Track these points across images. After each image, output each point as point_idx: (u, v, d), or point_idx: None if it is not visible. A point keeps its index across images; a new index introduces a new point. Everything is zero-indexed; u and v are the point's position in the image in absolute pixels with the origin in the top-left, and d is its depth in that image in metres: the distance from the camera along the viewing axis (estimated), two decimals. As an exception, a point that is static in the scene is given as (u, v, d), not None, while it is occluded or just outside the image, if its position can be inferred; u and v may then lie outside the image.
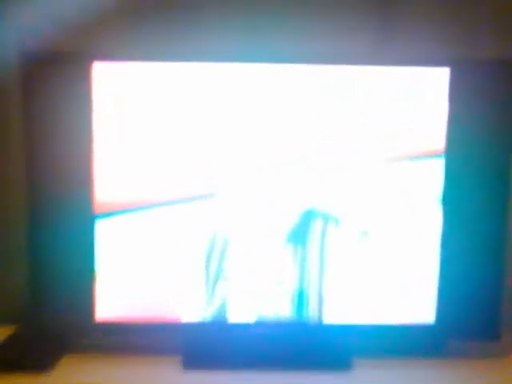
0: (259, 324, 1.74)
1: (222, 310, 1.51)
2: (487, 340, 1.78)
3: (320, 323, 1.75)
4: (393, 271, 1.74)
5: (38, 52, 1.68)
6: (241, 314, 1.54)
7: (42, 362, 1.67)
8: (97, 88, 1.66)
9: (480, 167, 1.71)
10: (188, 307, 1.64)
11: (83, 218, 1.69)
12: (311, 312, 1.71)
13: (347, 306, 1.67)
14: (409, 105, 1.66)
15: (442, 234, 1.73)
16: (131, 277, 1.69)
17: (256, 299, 1.55)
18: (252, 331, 1.75)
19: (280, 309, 1.71)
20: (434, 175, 1.65)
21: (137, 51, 1.68)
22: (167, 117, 1.64)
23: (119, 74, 1.66)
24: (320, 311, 1.69)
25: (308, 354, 1.75)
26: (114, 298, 1.72)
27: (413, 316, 1.76)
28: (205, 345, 1.76)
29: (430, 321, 1.76)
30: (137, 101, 1.65)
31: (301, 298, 1.59)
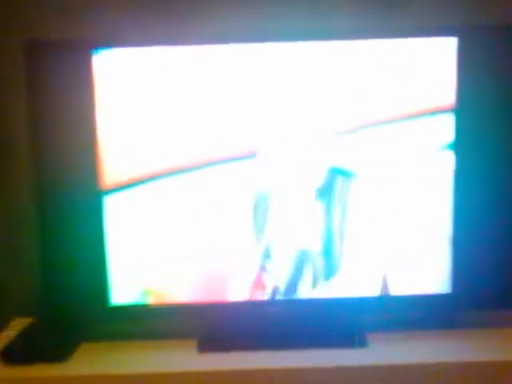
0: (272, 303, 1.74)
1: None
2: (504, 308, 1.77)
3: (335, 298, 1.75)
4: (408, 241, 1.71)
5: (40, 40, 1.66)
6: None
7: (59, 351, 1.69)
8: (99, 74, 1.64)
9: (491, 133, 1.67)
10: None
11: (93, 202, 1.69)
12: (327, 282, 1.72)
13: (363, 275, 1.61)
14: (418, 76, 1.61)
15: (454, 201, 1.69)
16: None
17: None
18: (265, 310, 1.75)
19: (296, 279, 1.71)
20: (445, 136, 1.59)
21: (138, 36, 1.66)
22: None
23: (121, 60, 1.63)
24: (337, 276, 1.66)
25: (323, 332, 1.75)
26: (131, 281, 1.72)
27: (429, 286, 1.75)
28: (219, 327, 1.77)
29: (447, 291, 1.75)
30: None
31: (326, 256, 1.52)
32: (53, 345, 1.70)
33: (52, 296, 1.74)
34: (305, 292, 1.56)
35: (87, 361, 1.69)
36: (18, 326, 1.80)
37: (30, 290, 1.87)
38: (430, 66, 1.61)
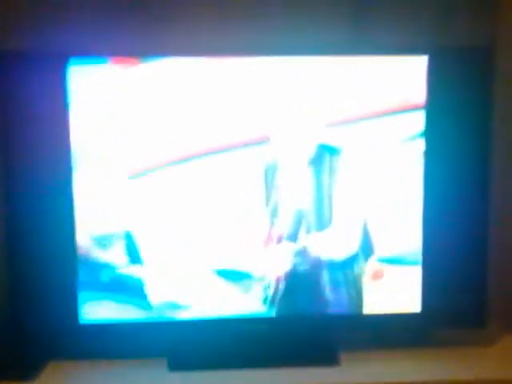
0: (244, 321, 1.74)
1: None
2: (473, 328, 1.78)
3: (307, 317, 1.75)
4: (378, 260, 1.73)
5: (12, 52, 1.65)
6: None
7: (26, 369, 1.65)
8: (74, 86, 1.62)
9: (459, 154, 1.70)
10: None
11: (64, 212, 1.67)
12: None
13: (347, 229, 1.63)
14: (388, 95, 1.64)
15: (423, 218, 1.71)
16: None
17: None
18: (237, 328, 1.74)
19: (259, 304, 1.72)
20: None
21: (113, 47, 1.67)
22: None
23: (96, 73, 1.62)
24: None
25: (295, 350, 1.75)
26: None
27: (399, 306, 1.76)
28: (189, 345, 1.75)
29: (416, 310, 1.76)
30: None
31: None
32: (19, 363, 1.66)
33: (19, 312, 1.70)
34: (303, 239, 1.59)
35: (55, 380, 1.65)
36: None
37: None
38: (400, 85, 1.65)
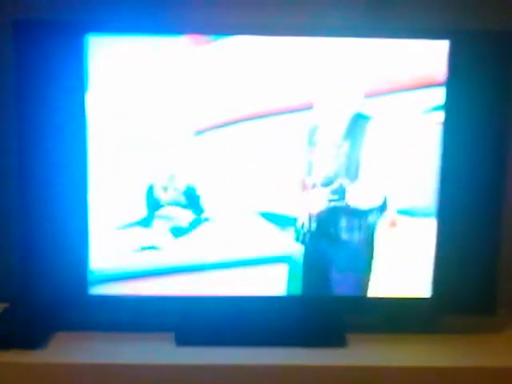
0: (253, 299, 1.74)
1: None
2: (483, 315, 1.77)
3: (316, 297, 1.75)
4: (391, 245, 1.73)
5: (31, 21, 1.63)
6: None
7: (33, 339, 1.66)
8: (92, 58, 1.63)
9: (478, 140, 1.69)
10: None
11: (75, 189, 1.67)
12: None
13: (372, 188, 1.72)
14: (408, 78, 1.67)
15: (438, 208, 1.71)
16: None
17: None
18: (246, 306, 1.74)
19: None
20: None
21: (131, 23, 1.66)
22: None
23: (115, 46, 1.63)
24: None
25: (302, 330, 1.75)
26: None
27: (409, 290, 1.75)
28: (198, 320, 1.76)
29: (426, 295, 1.75)
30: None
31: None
32: (28, 332, 1.66)
33: (28, 282, 1.70)
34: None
35: (62, 349, 1.66)
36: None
37: (5, 275, 1.84)
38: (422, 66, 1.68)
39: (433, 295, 1.74)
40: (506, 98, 1.68)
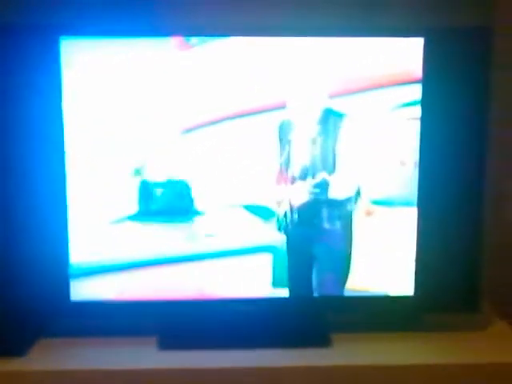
0: (235, 301, 1.74)
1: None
2: (466, 312, 1.77)
3: (300, 297, 1.76)
4: (372, 242, 1.74)
5: (4, 25, 1.63)
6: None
7: (16, 346, 1.65)
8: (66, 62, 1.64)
9: (456, 132, 1.69)
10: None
11: (57, 191, 1.67)
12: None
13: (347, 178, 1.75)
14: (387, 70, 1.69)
15: (418, 201, 1.71)
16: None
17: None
18: (229, 309, 1.74)
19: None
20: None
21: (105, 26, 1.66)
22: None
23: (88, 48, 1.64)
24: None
25: (286, 331, 1.75)
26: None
27: (391, 289, 1.75)
28: (180, 324, 1.76)
29: (409, 293, 1.75)
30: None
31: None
32: (10, 339, 1.66)
33: (10, 289, 1.70)
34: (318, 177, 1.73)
35: (45, 356, 1.65)
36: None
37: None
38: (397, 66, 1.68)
39: (416, 293, 1.74)
40: (480, 92, 1.68)
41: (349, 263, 1.75)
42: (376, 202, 1.74)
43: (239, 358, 1.65)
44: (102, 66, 1.65)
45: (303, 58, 1.68)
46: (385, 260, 1.74)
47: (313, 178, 1.72)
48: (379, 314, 1.78)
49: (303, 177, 1.73)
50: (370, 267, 1.74)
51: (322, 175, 1.72)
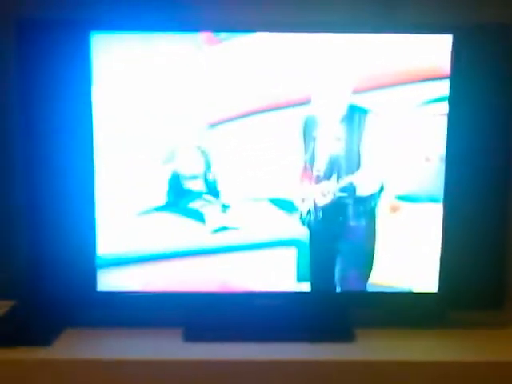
0: (260, 295, 1.75)
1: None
2: (490, 309, 1.77)
3: (324, 293, 1.76)
4: (397, 238, 1.74)
5: (35, 20, 1.65)
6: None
7: (43, 335, 1.67)
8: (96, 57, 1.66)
9: (483, 129, 1.70)
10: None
11: (82, 189, 1.69)
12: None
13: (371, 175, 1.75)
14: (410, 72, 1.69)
15: (444, 197, 1.72)
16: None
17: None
18: (253, 302, 1.75)
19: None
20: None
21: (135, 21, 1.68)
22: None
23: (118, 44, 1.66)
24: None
25: (310, 325, 1.75)
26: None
27: (415, 285, 1.75)
28: (205, 316, 1.76)
29: (433, 290, 1.75)
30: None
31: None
32: (37, 328, 1.68)
33: (38, 279, 1.72)
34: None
35: (71, 346, 1.67)
36: (1, 308, 1.78)
37: (12, 273, 1.85)
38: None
39: (440, 289, 1.75)
40: (507, 88, 1.69)
41: (372, 259, 1.75)
42: (401, 198, 1.74)
43: (262, 351, 1.66)
44: (131, 60, 1.66)
45: (332, 54, 1.69)
46: (409, 256, 1.74)
47: (338, 177, 1.72)
48: (403, 310, 1.78)
49: (328, 175, 1.72)
50: (394, 263, 1.74)
51: (348, 179, 1.72)
